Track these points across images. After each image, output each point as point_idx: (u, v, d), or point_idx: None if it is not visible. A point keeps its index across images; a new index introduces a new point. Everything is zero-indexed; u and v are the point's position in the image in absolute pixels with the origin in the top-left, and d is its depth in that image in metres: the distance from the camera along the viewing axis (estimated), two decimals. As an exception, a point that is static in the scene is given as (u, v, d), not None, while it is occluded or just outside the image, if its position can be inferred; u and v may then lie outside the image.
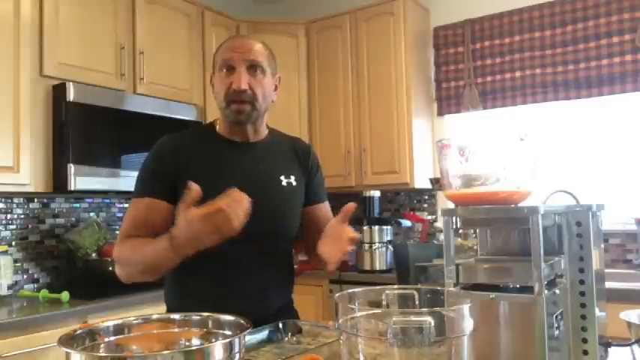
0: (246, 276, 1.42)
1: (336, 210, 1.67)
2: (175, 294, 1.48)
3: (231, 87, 1.39)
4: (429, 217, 3.55)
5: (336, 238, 1.35)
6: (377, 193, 3.32)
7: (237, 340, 0.81)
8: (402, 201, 3.68)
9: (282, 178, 1.51)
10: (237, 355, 0.80)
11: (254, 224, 1.41)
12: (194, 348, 0.88)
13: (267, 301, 1.47)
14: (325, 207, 1.63)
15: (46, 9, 2.50)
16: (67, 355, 0.76)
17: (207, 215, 1.14)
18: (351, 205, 1.37)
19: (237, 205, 1.15)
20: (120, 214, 3.14)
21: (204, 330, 0.95)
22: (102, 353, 0.88)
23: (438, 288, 1.00)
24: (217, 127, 1.51)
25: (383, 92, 3.36)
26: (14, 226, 2.69)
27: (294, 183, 1.52)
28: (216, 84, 1.45)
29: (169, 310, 1.49)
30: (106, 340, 0.89)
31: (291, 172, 1.53)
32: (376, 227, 3.20)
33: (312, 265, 1.66)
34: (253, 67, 1.41)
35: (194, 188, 1.16)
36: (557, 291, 0.98)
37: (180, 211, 1.18)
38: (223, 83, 1.41)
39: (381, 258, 3.16)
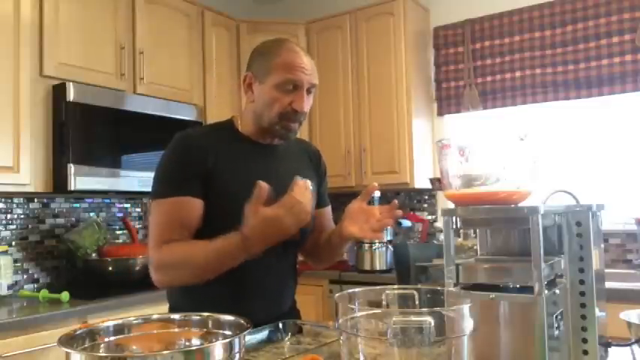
0: (264, 277, 1.42)
1: (335, 211, 1.67)
2: (181, 295, 1.45)
3: (290, 105, 1.38)
4: (429, 217, 3.55)
5: (366, 215, 1.36)
6: (377, 193, 3.30)
7: (237, 340, 0.81)
8: (402, 201, 3.68)
9: None
10: (237, 355, 0.80)
11: None
12: (194, 348, 0.88)
13: (279, 302, 1.48)
14: (328, 211, 1.65)
15: (46, 9, 2.50)
16: (67, 355, 0.76)
17: (286, 209, 1.17)
18: (375, 185, 1.42)
19: (307, 193, 1.20)
20: (120, 214, 3.14)
21: (204, 330, 0.95)
22: (102, 353, 0.88)
23: (438, 288, 1.00)
24: (239, 126, 1.49)
25: (383, 92, 3.36)
26: (14, 226, 2.69)
27: (311, 187, 1.53)
28: (265, 94, 1.40)
29: (173, 310, 1.48)
30: (106, 340, 0.89)
31: (307, 175, 1.54)
32: (376, 227, 3.19)
33: (312, 263, 1.67)
34: (310, 89, 1.42)
35: (263, 186, 1.17)
36: (557, 291, 0.98)
37: (250, 211, 1.19)
38: (281, 100, 1.38)
39: (381, 258, 3.16)
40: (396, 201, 1.38)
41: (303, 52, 1.43)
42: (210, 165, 1.38)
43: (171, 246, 1.33)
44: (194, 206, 1.36)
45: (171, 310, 1.47)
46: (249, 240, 1.22)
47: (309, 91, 1.42)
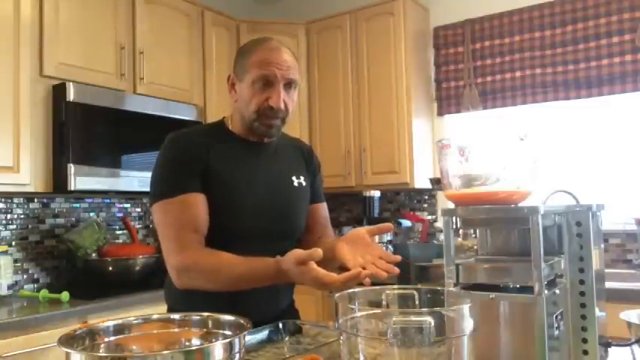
0: None
1: (335, 211, 1.67)
2: (179, 295, 1.45)
3: (266, 102, 1.38)
4: (429, 217, 3.55)
5: (366, 248, 1.31)
6: (377, 193, 3.32)
7: (237, 340, 0.81)
8: (402, 201, 3.68)
9: (294, 178, 1.53)
10: (237, 355, 0.80)
11: (271, 224, 1.43)
12: (194, 348, 0.88)
13: (274, 302, 1.48)
14: (324, 207, 1.65)
15: (46, 9, 2.50)
16: (67, 355, 0.76)
17: (330, 284, 1.16)
18: (390, 226, 1.38)
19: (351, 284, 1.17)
20: (120, 214, 3.14)
21: (204, 330, 0.95)
22: (102, 353, 0.88)
23: (438, 288, 1.00)
24: (230, 125, 1.50)
25: (383, 92, 3.36)
26: (14, 226, 2.69)
27: (304, 183, 1.55)
28: (244, 92, 1.42)
29: (171, 310, 1.48)
30: (106, 340, 0.89)
31: (300, 172, 1.56)
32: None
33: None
34: (289, 84, 1.41)
35: (317, 255, 1.16)
36: (557, 291, 0.98)
37: (295, 265, 1.19)
38: (257, 97, 1.39)
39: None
40: (399, 257, 1.28)
41: (282, 49, 1.42)
42: (207, 162, 1.39)
43: (197, 252, 1.33)
44: (201, 202, 1.36)
45: (170, 310, 1.48)
46: (285, 276, 1.23)
47: (288, 87, 1.41)
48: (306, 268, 1.17)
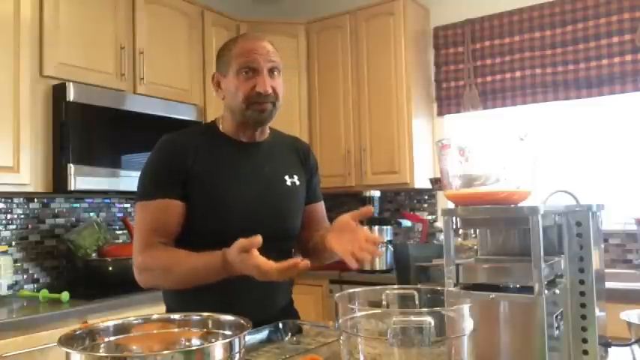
0: (252, 277, 1.42)
1: (334, 211, 1.67)
2: (177, 295, 1.46)
3: (253, 90, 1.40)
4: (429, 217, 3.55)
5: (352, 234, 1.32)
6: (377, 193, 3.32)
7: (237, 340, 0.81)
8: (402, 201, 3.68)
9: (287, 178, 1.52)
10: (237, 355, 0.80)
11: (261, 225, 1.42)
12: (194, 348, 0.88)
13: (271, 302, 1.48)
14: (321, 206, 1.64)
15: (46, 9, 2.50)
16: (67, 355, 0.76)
17: (272, 273, 1.19)
18: (370, 209, 1.40)
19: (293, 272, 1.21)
20: (120, 214, 3.14)
21: (204, 330, 0.95)
22: (102, 353, 0.88)
23: (438, 288, 1.00)
24: (220, 126, 1.50)
25: (383, 92, 3.36)
26: (14, 226, 2.69)
27: (297, 183, 1.54)
28: (230, 85, 1.43)
29: (169, 310, 1.48)
30: (106, 340, 0.89)
31: (294, 171, 1.55)
32: (376, 227, 3.19)
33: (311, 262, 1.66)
34: (272, 70, 1.43)
35: (257, 241, 1.18)
36: (557, 291, 0.98)
37: (237, 253, 1.20)
38: (244, 85, 1.40)
39: (381, 258, 3.16)
40: (382, 240, 1.36)
41: (262, 38, 1.46)
42: (190, 167, 1.40)
43: (155, 252, 1.36)
44: (175, 209, 1.38)
45: (168, 310, 1.48)
46: (231, 267, 1.24)
47: (272, 73, 1.43)
48: (247, 256, 1.19)
